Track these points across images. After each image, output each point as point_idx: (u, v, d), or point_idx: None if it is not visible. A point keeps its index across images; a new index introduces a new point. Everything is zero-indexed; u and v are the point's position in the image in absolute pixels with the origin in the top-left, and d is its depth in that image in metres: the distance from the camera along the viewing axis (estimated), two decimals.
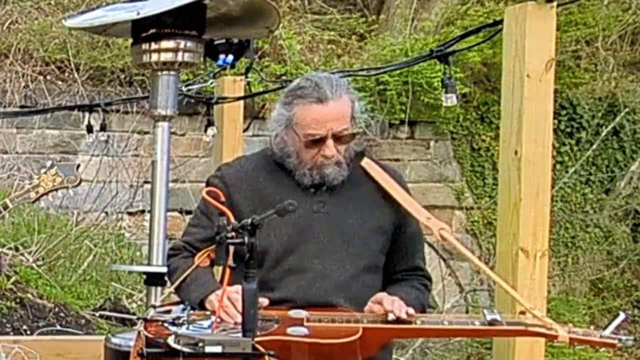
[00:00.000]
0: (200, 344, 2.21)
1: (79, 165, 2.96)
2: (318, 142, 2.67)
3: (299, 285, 2.70)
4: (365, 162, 2.81)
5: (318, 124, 2.66)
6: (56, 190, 2.92)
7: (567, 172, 8.19)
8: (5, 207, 2.77)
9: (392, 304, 2.57)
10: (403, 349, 6.66)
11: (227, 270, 2.35)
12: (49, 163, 2.93)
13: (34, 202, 2.92)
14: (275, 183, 2.78)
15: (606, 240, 8.40)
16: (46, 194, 2.89)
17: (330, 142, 2.67)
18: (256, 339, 2.31)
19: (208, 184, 2.86)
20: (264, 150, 2.92)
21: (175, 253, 2.89)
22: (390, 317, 2.56)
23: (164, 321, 2.50)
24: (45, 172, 2.90)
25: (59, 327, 5.57)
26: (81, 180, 2.95)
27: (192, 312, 2.57)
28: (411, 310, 2.58)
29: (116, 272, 6.42)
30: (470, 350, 7.15)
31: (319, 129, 2.66)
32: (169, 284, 2.98)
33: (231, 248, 2.36)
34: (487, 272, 2.96)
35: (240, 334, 2.29)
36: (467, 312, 7.66)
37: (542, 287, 3.04)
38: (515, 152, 3.04)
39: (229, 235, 2.29)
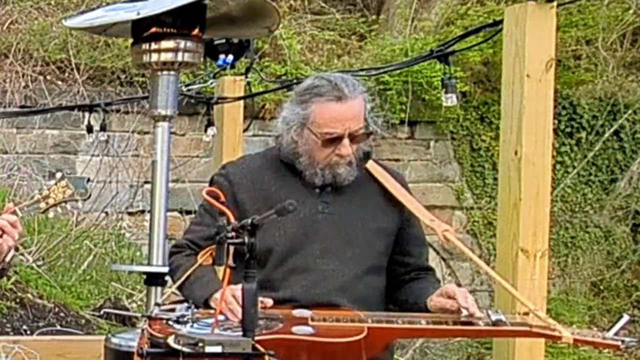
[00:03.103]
0: (200, 344, 2.21)
1: (89, 179, 2.97)
2: (334, 140, 2.67)
3: (303, 285, 2.70)
4: (370, 164, 2.82)
5: (336, 123, 2.66)
6: (66, 202, 2.91)
7: (567, 172, 8.19)
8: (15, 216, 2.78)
9: (466, 300, 2.56)
10: (403, 349, 6.66)
11: (227, 270, 2.35)
12: (59, 174, 2.93)
13: (43, 212, 2.92)
14: (281, 182, 2.78)
15: (606, 240, 8.39)
16: (56, 205, 2.89)
17: (346, 141, 2.67)
18: (261, 338, 2.32)
19: (212, 182, 2.85)
20: (269, 150, 2.92)
21: (178, 251, 2.88)
22: (464, 313, 2.55)
23: (168, 319, 2.51)
24: (55, 184, 2.90)
25: (59, 327, 5.57)
26: (90, 194, 2.96)
27: (196, 310, 2.57)
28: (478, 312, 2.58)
29: (116, 272, 6.42)
30: (470, 350, 7.15)
31: (336, 127, 2.66)
32: (170, 282, 2.98)
33: (231, 248, 2.36)
34: (490, 274, 2.97)
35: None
36: None
37: (542, 287, 3.05)
38: (515, 152, 3.05)
39: (229, 235, 2.29)
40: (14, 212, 2.75)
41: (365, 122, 2.71)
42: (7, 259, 2.80)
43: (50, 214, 2.94)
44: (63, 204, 2.90)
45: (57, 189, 2.87)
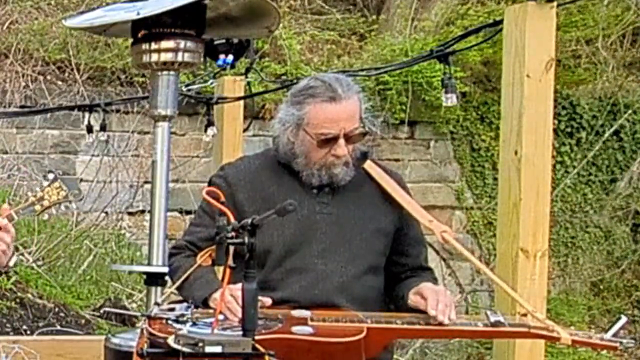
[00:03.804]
0: (200, 344, 2.21)
1: (81, 180, 2.98)
2: (330, 141, 2.68)
3: (301, 286, 2.70)
4: (368, 165, 2.82)
5: (331, 123, 2.66)
6: (60, 203, 2.91)
7: (567, 172, 8.19)
8: (11, 219, 2.77)
9: (436, 307, 2.57)
10: (403, 349, 6.66)
11: (227, 270, 2.35)
12: (51, 176, 2.93)
13: (38, 214, 2.92)
14: (279, 183, 2.78)
15: (606, 240, 8.39)
16: (50, 207, 2.90)
17: (342, 141, 2.68)
18: (261, 338, 2.32)
19: (210, 183, 2.85)
20: (267, 150, 2.92)
21: (177, 252, 2.89)
22: (432, 313, 2.55)
23: (168, 319, 2.51)
24: (48, 185, 2.90)
25: (59, 327, 5.57)
26: (83, 195, 2.99)
27: (195, 310, 2.57)
28: (453, 315, 2.57)
29: (116, 272, 6.42)
30: (470, 351, 7.15)
31: (331, 128, 2.66)
32: (170, 282, 2.98)
33: (231, 248, 2.36)
34: (489, 275, 2.97)
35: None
36: (467, 312, 7.65)
37: (542, 287, 3.05)
38: (515, 152, 3.05)
39: (229, 235, 2.29)
40: (9, 216, 2.74)
41: (361, 122, 2.72)
42: (11, 263, 2.79)
43: (45, 216, 2.94)
44: (57, 206, 2.90)
45: (51, 190, 2.88)
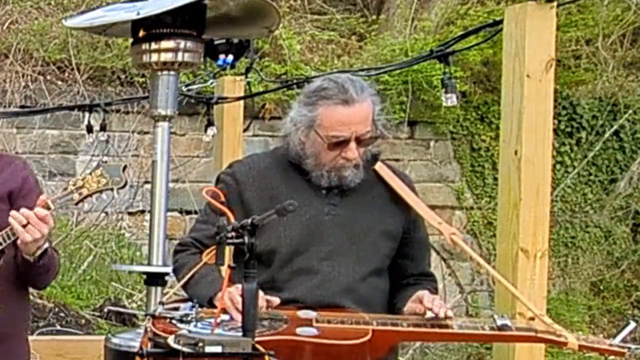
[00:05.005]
0: (200, 344, 2.21)
1: (125, 167, 2.80)
2: (341, 144, 2.65)
3: (308, 286, 2.68)
4: (378, 166, 2.81)
5: (343, 126, 2.64)
6: (100, 192, 2.76)
7: (567, 172, 8.19)
8: (47, 209, 2.68)
9: (432, 302, 2.57)
10: (403, 349, 6.66)
11: (228, 270, 2.35)
12: (94, 163, 2.81)
13: (77, 203, 2.79)
14: (288, 183, 2.76)
15: (606, 240, 8.40)
16: (90, 195, 2.76)
17: (353, 144, 2.65)
18: (265, 339, 2.31)
19: (219, 180, 2.83)
20: (277, 149, 2.89)
21: (182, 249, 2.86)
22: (429, 314, 2.55)
23: (172, 318, 2.50)
24: (90, 173, 2.75)
25: (59, 327, 5.58)
26: (127, 182, 2.79)
27: (200, 309, 2.57)
28: (450, 312, 2.57)
29: (116, 272, 6.42)
30: (470, 351, 7.15)
31: (343, 130, 2.64)
32: (174, 280, 2.96)
33: (232, 248, 2.36)
34: (497, 277, 2.95)
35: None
36: (467, 312, 7.66)
37: (542, 287, 3.05)
38: (515, 152, 3.04)
39: (229, 235, 2.29)
40: (46, 205, 2.68)
41: (374, 124, 2.70)
42: (38, 252, 2.69)
43: (86, 206, 2.84)
44: (98, 194, 2.78)
45: (92, 178, 2.75)
